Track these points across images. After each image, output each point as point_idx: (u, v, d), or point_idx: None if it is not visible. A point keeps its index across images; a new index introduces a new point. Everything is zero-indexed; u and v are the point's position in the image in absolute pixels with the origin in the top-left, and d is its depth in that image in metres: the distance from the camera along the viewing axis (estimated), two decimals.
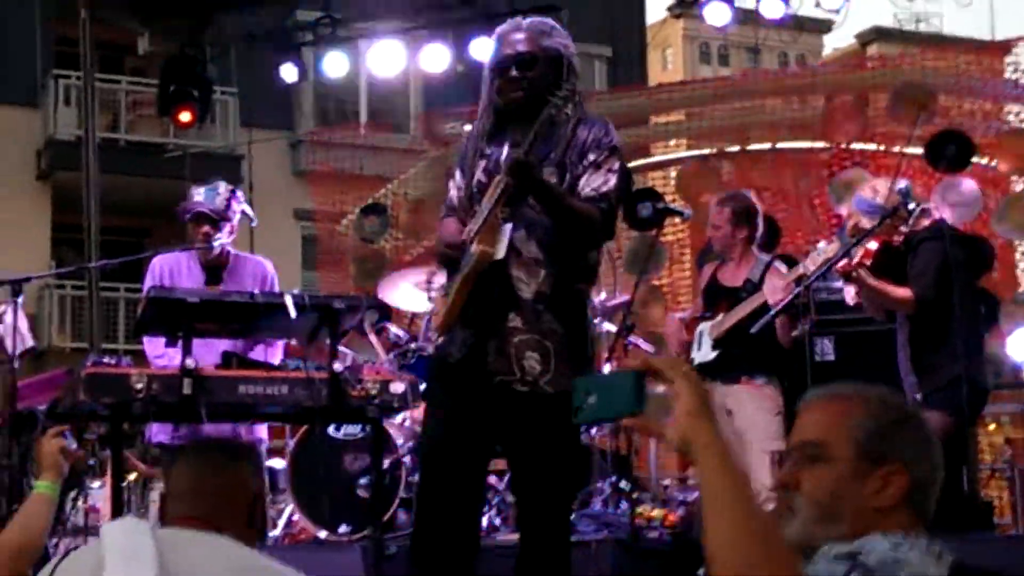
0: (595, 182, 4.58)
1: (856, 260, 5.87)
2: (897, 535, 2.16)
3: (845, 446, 2.23)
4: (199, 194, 6.72)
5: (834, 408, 2.28)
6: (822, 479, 2.22)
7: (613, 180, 4.61)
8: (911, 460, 2.23)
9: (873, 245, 5.95)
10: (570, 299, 4.62)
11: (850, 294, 6.29)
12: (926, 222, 6.06)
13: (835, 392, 2.34)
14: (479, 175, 4.74)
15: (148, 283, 6.60)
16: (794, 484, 2.25)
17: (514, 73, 4.64)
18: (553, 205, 4.53)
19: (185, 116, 10.99)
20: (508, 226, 4.56)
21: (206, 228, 6.63)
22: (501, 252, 4.54)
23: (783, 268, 6.66)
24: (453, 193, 4.90)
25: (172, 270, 6.72)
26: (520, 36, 4.67)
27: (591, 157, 4.60)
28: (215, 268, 6.71)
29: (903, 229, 5.96)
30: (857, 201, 6.21)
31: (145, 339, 6.51)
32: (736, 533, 1.98)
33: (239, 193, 6.82)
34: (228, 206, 6.68)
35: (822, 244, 6.37)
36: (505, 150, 4.63)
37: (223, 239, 6.67)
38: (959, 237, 6.25)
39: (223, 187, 6.76)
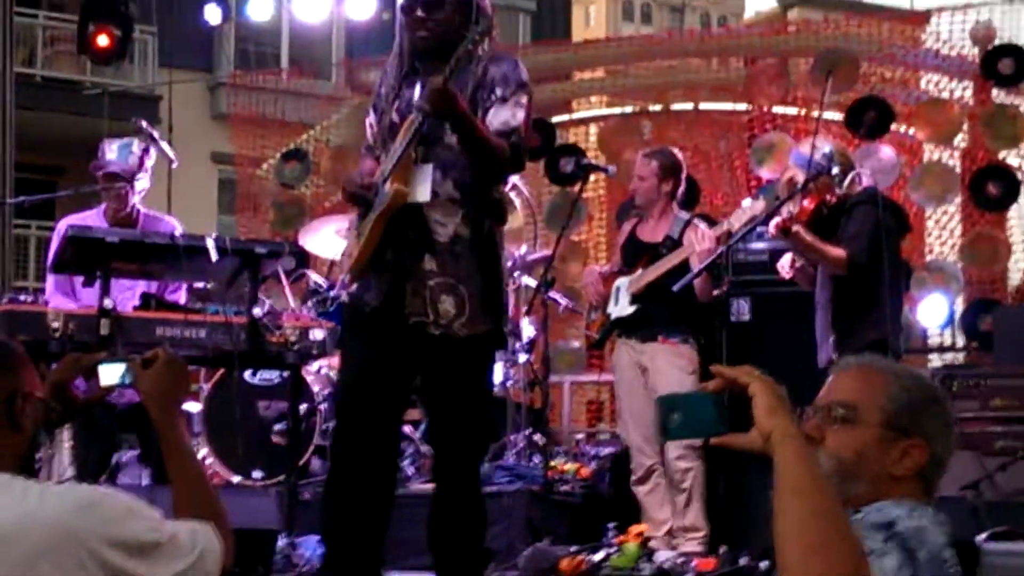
0: (503, 115, 4.58)
1: (795, 216, 5.90)
2: (909, 503, 2.28)
3: (876, 414, 2.34)
4: (112, 151, 6.59)
5: (872, 378, 2.40)
6: (848, 440, 2.33)
7: (521, 114, 4.61)
8: (933, 438, 2.35)
9: (809, 204, 5.99)
10: (485, 240, 4.63)
11: (784, 268, 6.31)
12: (860, 187, 6.12)
13: (874, 363, 2.47)
14: (392, 115, 4.72)
15: (55, 243, 6.48)
16: (820, 439, 2.35)
17: (419, 14, 4.61)
18: (469, 136, 4.52)
19: (103, 40, 10.73)
20: (429, 167, 4.55)
21: (118, 186, 6.51)
22: (425, 195, 4.52)
23: (703, 226, 6.70)
24: (369, 133, 4.88)
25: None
26: None
27: (499, 92, 4.59)
28: (125, 227, 6.59)
29: (836, 190, 6.02)
30: (795, 156, 6.24)
31: (50, 279, 6.44)
32: (809, 516, 2.04)
33: (152, 151, 6.68)
34: (141, 164, 6.57)
35: (747, 202, 6.42)
36: (417, 90, 4.60)
37: (134, 198, 6.56)
38: (889, 203, 6.32)
39: (136, 144, 6.64)
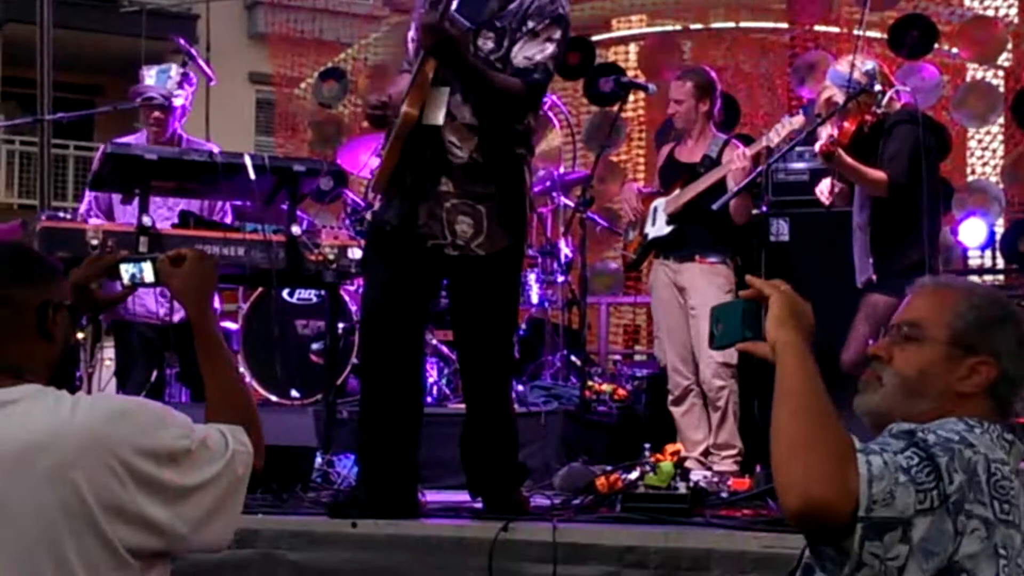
0: (529, 50, 4.52)
1: (835, 139, 5.83)
2: (973, 419, 2.26)
3: (942, 331, 2.34)
4: (150, 76, 6.59)
5: (939, 295, 2.40)
6: (913, 357, 2.34)
7: (550, 49, 4.54)
8: (1003, 355, 2.33)
9: (850, 126, 5.92)
10: (506, 162, 4.60)
11: (824, 194, 6.25)
12: (898, 104, 6.04)
13: (945, 282, 2.49)
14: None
15: (93, 171, 6.51)
16: (888, 357, 2.37)
17: None
18: (470, 77, 4.47)
19: None
20: (445, 90, 4.51)
21: (156, 114, 6.51)
22: (439, 118, 4.48)
23: (741, 146, 6.65)
24: (410, 48, 4.84)
25: None
26: None
27: (530, 24, 4.53)
28: None
29: (876, 110, 5.94)
30: (833, 74, 6.15)
31: (86, 198, 6.47)
32: (794, 415, 2.13)
33: (191, 75, 6.69)
34: (180, 88, 6.57)
35: (786, 118, 6.35)
36: (455, 4, 4.50)
37: (174, 124, 6.57)
38: (929, 123, 6.22)
39: (175, 69, 6.64)
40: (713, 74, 6.91)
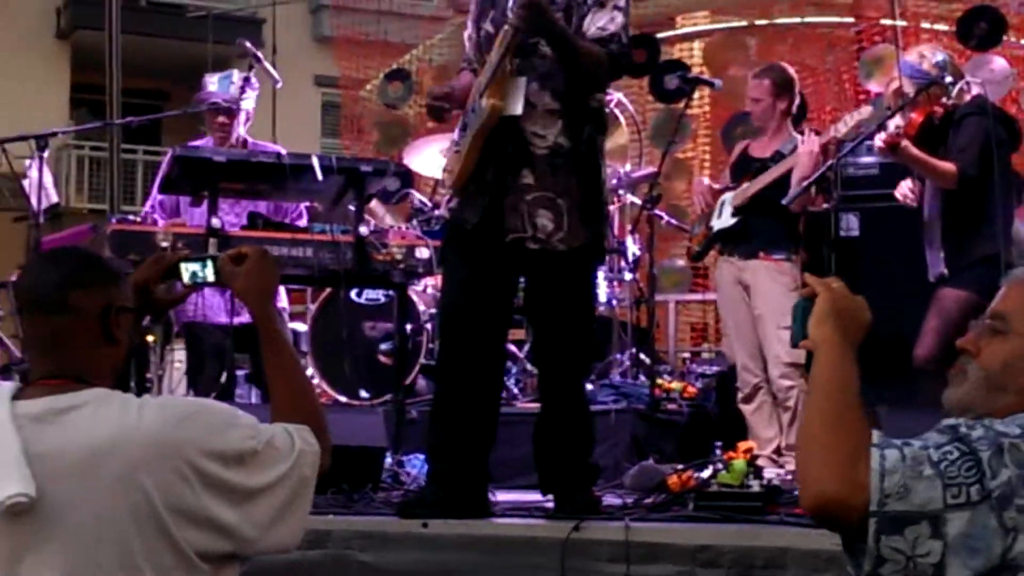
0: (600, 20, 4.51)
1: (902, 130, 5.77)
2: None
3: None
4: (213, 83, 6.65)
5: None
6: (998, 350, 2.30)
7: (620, 18, 4.53)
8: None
9: (917, 117, 5.85)
10: (585, 151, 4.58)
11: (908, 197, 6.15)
12: (968, 96, 5.95)
13: None
14: (487, 26, 4.67)
15: (161, 174, 6.57)
16: (975, 351, 2.33)
17: None
18: (563, 46, 4.45)
19: None
20: (523, 80, 4.49)
21: (221, 119, 6.56)
22: (517, 108, 4.46)
23: (814, 137, 6.57)
24: (468, 45, 4.83)
25: None
26: None
27: None
28: None
29: (945, 101, 5.86)
30: (903, 65, 6.07)
31: (152, 199, 6.52)
32: (821, 409, 2.15)
33: (253, 80, 6.73)
34: (243, 93, 6.61)
35: (856, 110, 6.27)
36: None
37: (239, 129, 6.61)
38: (1000, 114, 6.13)
39: (236, 75, 6.70)
40: (791, 71, 6.85)
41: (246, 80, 6.65)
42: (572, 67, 4.49)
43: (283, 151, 6.68)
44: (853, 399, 2.15)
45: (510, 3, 4.49)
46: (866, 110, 6.07)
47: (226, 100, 6.54)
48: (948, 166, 5.78)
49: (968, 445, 2.09)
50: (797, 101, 6.80)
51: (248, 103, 6.64)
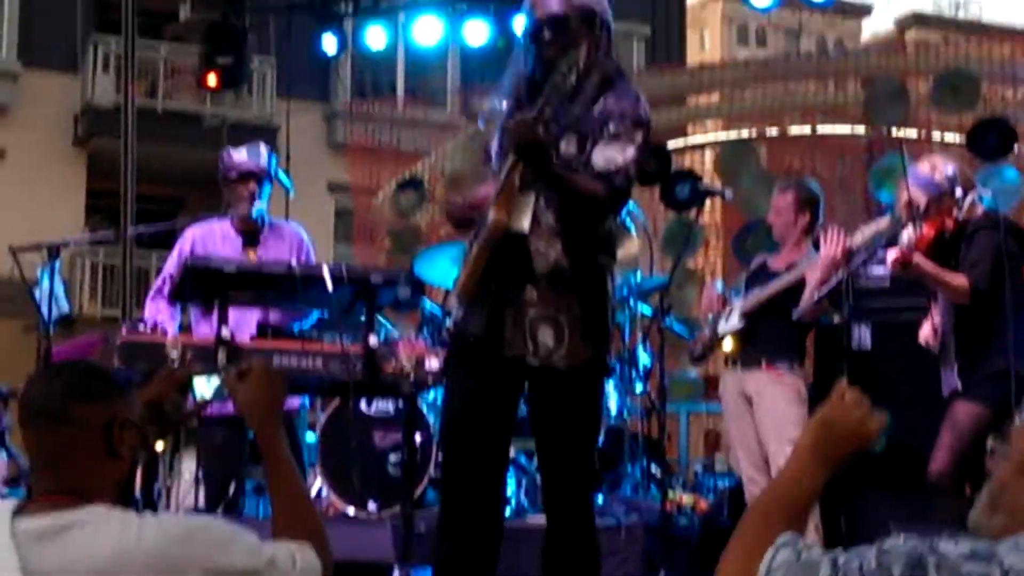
0: (610, 152, 4.44)
1: (913, 245, 5.75)
2: None
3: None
4: (240, 153, 6.65)
5: None
6: (1000, 471, 2.32)
7: (632, 151, 4.46)
8: None
9: (929, 231, 5.84)
10: (590, 272, 4.54)
11: (929, 344, 6.13)
12: (980, 209, 5.95)
13: None
14: (502, 140, 4.67)
15: (176, 253, 6.59)
16: (992, 471, 2.37)
17: (546, 35, 4.51)
18: (558, 186, 4.44)
19: (212, 80, 10.97)
20: (531, 196, 4.47)
21: (252, 186, 6.55)
22: (524, 225, 4.44)
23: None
24: (488, 153, 4.83)
25: (205, 239, 6.66)
26: None
27: (612, 127, 4.46)
28: (252, 233, 6.65)
29: (956, 214, 5.85)
30: (914, 176, 6.07)
31: (148, 303, 6.53)
32: (754, 507, 2.27)
33: (275, 157, 6.78)
34: (270, 163, 6.64)
35: (872, 222, 6.24)
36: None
37: (265, 200, 6.63)
38: (1012, 227, 6.12)
39: (263, 146, 6.71)
40: (817, 187, 6.84)
41: (271, 151, 6.67)
42: (563, 197, 4.48)
43: (303, 231, 6.70)
44: (796, 512, 2.21)
45: (546, 114, 4.47)
46: (883, 221, 6.04)
47: (258, 166, 6.55)
48: (960, 281, 5.76)
49: (883, 558, 2.08)
50: (820, 220, 6.79)
51: (275, 177, 6.66)
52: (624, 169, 4.46)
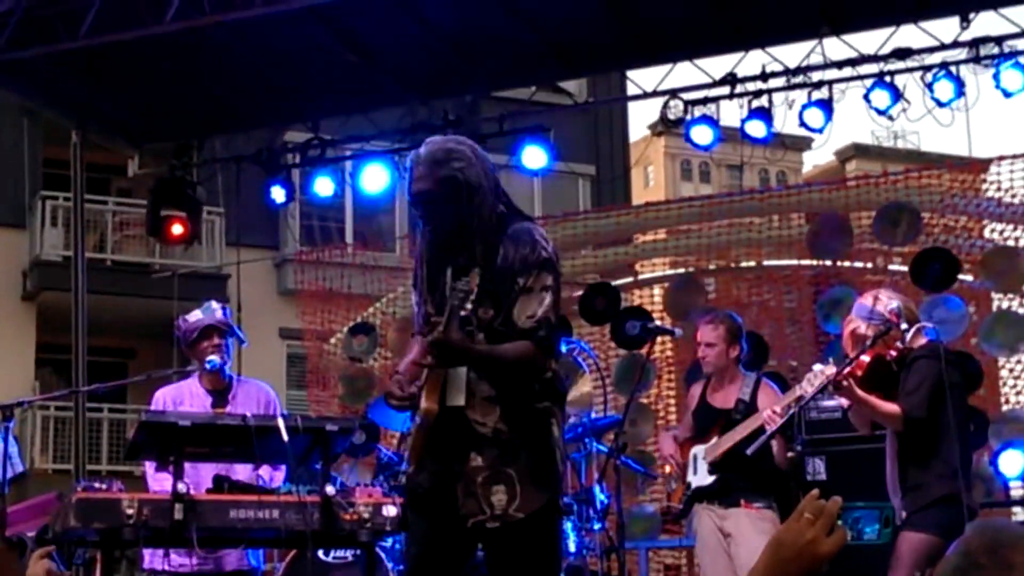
0: (529, 308, 4.46)
1: (847, 371, 5.86)
2: None
3: None
4: (194, 315, 6.68)
5: None
6: None
7: (547, 299, 4.47)
8: None
9: (866, 358, 5.94)
10: (532, 422, 4.55)
11: (844, 402, 6.27)
12: (922, 340, 6.06)
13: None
14: (428, 307, 4.65)
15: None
16: None
17: (421, 211, 4.58)
18: (485, 366, 4.50)
19: (177, 229, 11.03)
20: (463, 371, 4.51)
21: (215, 339, 6.57)
22: (459, 400, 4.49)
23: (773, 386, 6.66)
24: (416, 316, 4.86)
25: (175, 400, 6.66)
26: (417, 172, 4.51)
27: (520, 281, 4.47)
28: (220, 392, 6.66)
29: (899, 345, 5.96)
30: (858, 308, 6.18)
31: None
32: None
33: (229, 311, 6.81)
34: (227, 316, 6.67)
35: (818, 367, 6.33)
36: (448, 275, 4.55)
37: (229, 355, 6.64)
38: (953, 357, 6.22)
39: (214, 303, 6.75)
40: (740, 320, 6.99)
41: (224, 308, 6.69)
42: (499, 374, 4.53)
43: (270, 388, 6.70)
44: None
45: (448, 288, 4.52)
46: (829, 369, 6.05)
47: (219, 321, 6.57)
48: (893, 408, 5.85)
49: None
50: (746, 348, 6.91)
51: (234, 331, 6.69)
52: (545, 319, 4.48)
